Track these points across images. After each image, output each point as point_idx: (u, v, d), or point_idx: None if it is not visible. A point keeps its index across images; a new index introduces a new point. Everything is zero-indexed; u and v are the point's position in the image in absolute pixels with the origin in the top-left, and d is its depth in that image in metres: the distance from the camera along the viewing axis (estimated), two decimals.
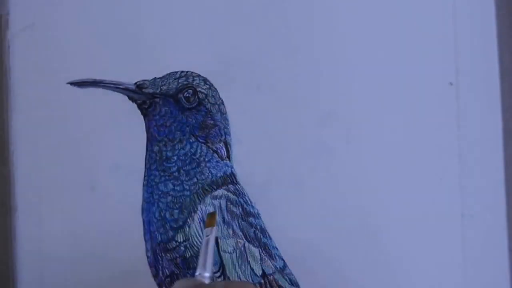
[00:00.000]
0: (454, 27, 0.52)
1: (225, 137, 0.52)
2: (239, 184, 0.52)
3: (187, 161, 0.51)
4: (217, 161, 0.52)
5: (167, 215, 0.51)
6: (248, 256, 0.50)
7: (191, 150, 0.52)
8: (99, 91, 0.53)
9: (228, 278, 0.50)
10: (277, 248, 0.52)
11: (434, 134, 0.52)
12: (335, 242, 0.51)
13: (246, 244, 0.51)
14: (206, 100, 0.52)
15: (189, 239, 0.50)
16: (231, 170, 0.52)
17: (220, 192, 0.51)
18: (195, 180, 0.51)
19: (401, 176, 0.52)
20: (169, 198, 0.51)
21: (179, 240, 0.50)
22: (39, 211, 0.56)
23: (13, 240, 0.56)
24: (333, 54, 0.53)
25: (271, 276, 0.51)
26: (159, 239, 0.51)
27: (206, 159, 0.52)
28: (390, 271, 0.51)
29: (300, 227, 0.52)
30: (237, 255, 0.50)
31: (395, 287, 0.52)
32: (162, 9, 0.55)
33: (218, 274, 0.50)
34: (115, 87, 0.52)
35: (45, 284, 0.55)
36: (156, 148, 0.52)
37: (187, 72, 0.52)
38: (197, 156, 0.52)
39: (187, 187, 0.51)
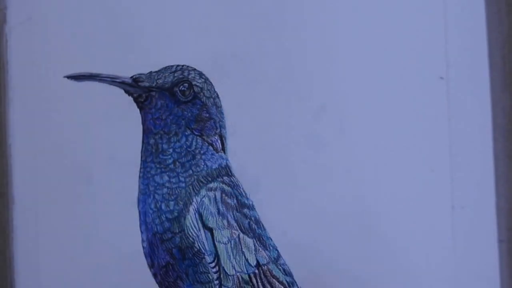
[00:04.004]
0: (445, 22, 0.53)
1: (220, 130, 0.53)
2: (234, 176, 0.53)
3: (182, 154, 0.52)
4: (212, 154, 0.53)
5: (163, 207, 0.51)
6: (243, 247, 0.51)
7: (187, 142, 0.52)
8: (96, 84, 0.54)
9: (223, 268, 0.51)
10: (271, 239, 0.52)
11: (425, 127, 0.53)
12: (328, 233, 0.52)
13: (241, 235, 0.51)
14: (202, 93, 0.53)
15: (184, 230, 0.51)
16: (226, 162, 0.53)
17: (215, 184, 0.52)
18: (190, 172, 0.52)
19: (393, 168, 0.53)
20: (165, 189, 0.52)
21: (174, 231, 0.51)
22: (36, 203, 0.57)
23: (10, 232, 0.57)
24: (325, 49, 0.54)
25: (265, 266, 0.51)
26: (155, 230, 0.51)
27: (202, 152, 0.52)
28: (381, 262, 0.52)
29: (293, 218, 0.53)
30: (232, 245, 0.51)
31: (386, 278, 0.52)
32: (158, 4, 0.56)
33: (213, 264, 0.51)
34: (112, 80, 0.53)
35: (43, 274, 0.56)
36: (152, 141, 0.52)
37: (182, 66, 0.53)
38: (193, 148, 0.52)
39: (182, 179, 0.52)
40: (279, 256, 0.52)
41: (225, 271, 0.50)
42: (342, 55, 0.53)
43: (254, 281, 0.51)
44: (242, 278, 0.50)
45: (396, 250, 0.52)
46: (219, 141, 0.53)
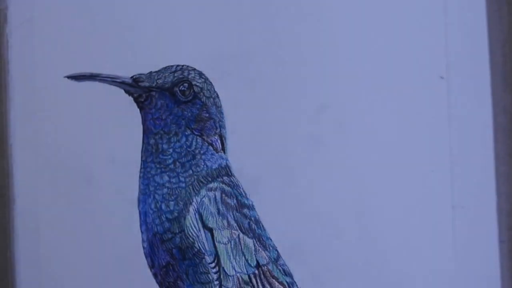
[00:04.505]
0: (445, 21, 0.53)
1: (220, 130, 0.53)
2: (234, 176, 0.53)
3: (182, 154, 0.52)
4: (212, 154, 0.53)
5: (163, 207, 0.51)
6: (243, 247, 0.51)
7: (187, 142, 0.52)
8: (96, 84, 0.54)
9: (223, 268, 0.51)
10: (271, 239, 0.52)
11: (425, 127, 0.53)
12: (328, 233, 0.52)
13: (241, 235, 0.51)
14: (202, 93, 0.53)
15: (184, 230, 0.51)
16: (226, 162, 0.53)
17: (215, 184, 0.52)
18: (190, 172, 0.52)
19: (393, 168, 0.53)
20: (165, 190, 0.52)
21: (174, 231, 0.51)
22: (37, 203, 0.57)
23: (11, 232, 0.57)
24: (325, 48, 0.53)
25: (265, 267, 0.51)
26: (155, 230, 0.51)
27: (202, 152, 0.52)
28: (382, 262, 0.52)
29: (293, 218, 0.53)
30: (232, 246, 0.51)
31: (387, 278, 0.52)
32: (158, 4, 0.56)
33: (213, 264, 0.51)
34: (112, 80, 0.53)
35: (43, 275, 0.56)
36: (152, 141, 0.52)
37: (182, 66, 0.53)
38: (193, 148, 0.52)
39: (182, 179, 0.52)
40: (278, 256, 0.52)
41: (225, 271, 0.50)
42: (342, 55, 0.53)
43: (254, 281, 0.51)
44: (242, 278, 0.50)
45: (396, 250, 0.52)
46: (219, 141, 0.53)
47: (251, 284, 0.50)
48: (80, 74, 0.53)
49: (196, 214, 0.51)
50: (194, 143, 0.52)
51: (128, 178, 0.54)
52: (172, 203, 0.51)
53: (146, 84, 0.52)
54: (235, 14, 0.54)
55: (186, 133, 0.52)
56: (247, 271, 0.51)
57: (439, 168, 0.52)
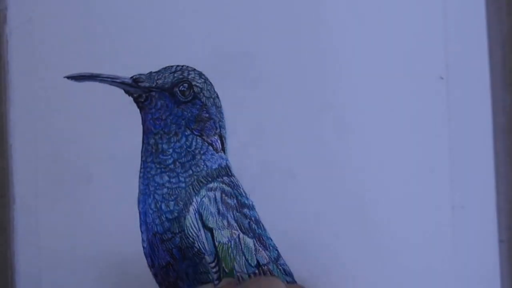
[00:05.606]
0: (444, 21, 0.53)
1: (220, 130, 0.53)
2: (234, 176, 0.53)
3: (182, 154, 0.52)
4: (212, 154, 0.53)
5: (163, 207, 0.51)
6: (243, 247, 0.51)
7: (187, 143, 0.52)
8: (96, 85, 0.54)
9: (223, 268, 0.51)
10: (271, 239, 0.52)
11: (425, 127, 0.53)
12: (328, 233, 0.52)
13: (241, 235, 0.51)
14: (201, 93, 0.53)
15: (184, 230, 0.51)
16: (226, 163, 0.53)
17: (215, 184, 0.52)
18: (190, 172, 0.52)
19: (393, 168, 0.53)
20: (165, 190, 0.52)
21: (174, 231, 0.51)
22: (37, 203, 0.57)
23: (11, 232, 0.57)
24: (325, 49, 0.54)
25: (265, 266, 0.51)
26: (155, 230, 0.52)
27: (202, 152, 0.53)
28: (381, 262, 0.52)
29: (293, 218, 0.53)
30: (232, 245, 0.51)
31: (387, 278, 0.52)
32: (158, 4, 0.56)
33: (213, 264, 0.51)
34: (112, 81, 0.53)
35: (43, 274, 0.56)
36: (152, 141, 0.53)
37: (182, 66, 0.53)
38: (193, 148, 0.52)
39: (182, 179, 0.52)
40: (279, 256, 0.52)
41: (225, 271, 0.50)
42: (342, 55, 0.53)
43: None
44: (242, 278, 0.51)
45: (396, 250, 0.52)
46: (219, 141, 0.53)
47: None
48: (80, 74, 0.53)
49: (196, 214, 0.51)
50: (194, 143, 0.52)
51: (128, 178, 0.54)
52: (172, 203, 0.51)
53: (146, 84, 0.52)
54: (235, 13, 0.54)
55: (186, 133, 0.52)
56: (247, 271, 0.51)
57: (439, 168, 0.52)
